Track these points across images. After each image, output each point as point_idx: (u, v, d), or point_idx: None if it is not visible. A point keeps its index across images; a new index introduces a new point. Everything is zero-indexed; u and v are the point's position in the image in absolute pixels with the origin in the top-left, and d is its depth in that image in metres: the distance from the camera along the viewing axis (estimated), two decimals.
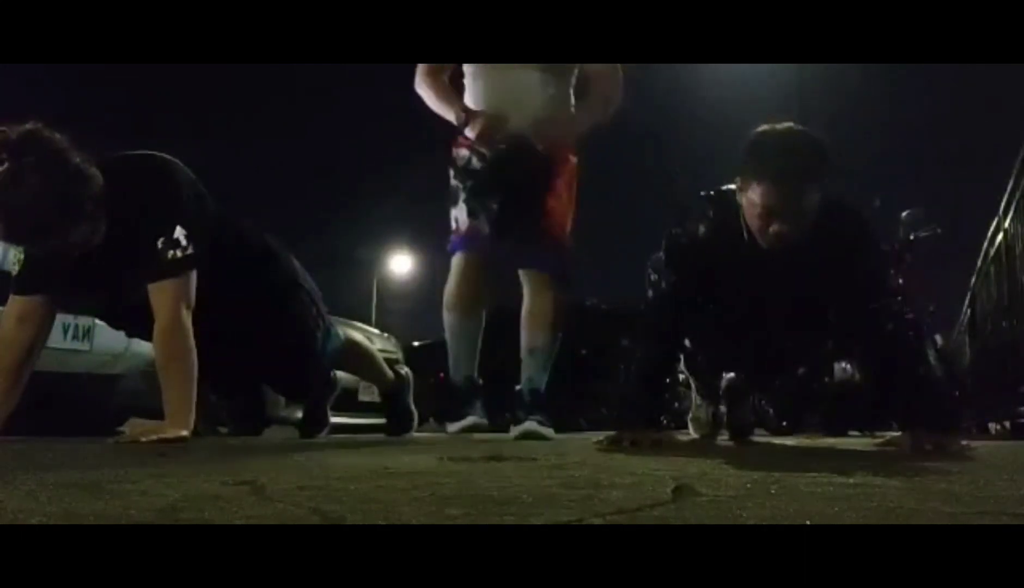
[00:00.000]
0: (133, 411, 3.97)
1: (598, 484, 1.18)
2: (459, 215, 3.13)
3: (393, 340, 6.17)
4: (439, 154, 3.25)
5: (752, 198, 2.13)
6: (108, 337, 3.69)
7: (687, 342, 2.82)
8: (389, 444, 2.69)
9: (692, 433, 3.29)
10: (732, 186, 2.24)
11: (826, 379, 5.97)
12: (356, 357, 3.28)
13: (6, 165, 2.08)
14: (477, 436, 3.03)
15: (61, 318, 3.12)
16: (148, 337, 2.46)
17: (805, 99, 11.05)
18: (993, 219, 5.82)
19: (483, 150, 3.09)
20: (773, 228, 2.13)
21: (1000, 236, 5.62)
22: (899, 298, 2.33)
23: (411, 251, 27.49)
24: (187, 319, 2.36)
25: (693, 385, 3.25)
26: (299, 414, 3.52)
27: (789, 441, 3.74)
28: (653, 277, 2.43)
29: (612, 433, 2.21)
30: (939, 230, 5.91)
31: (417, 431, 3.61)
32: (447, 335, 3.21)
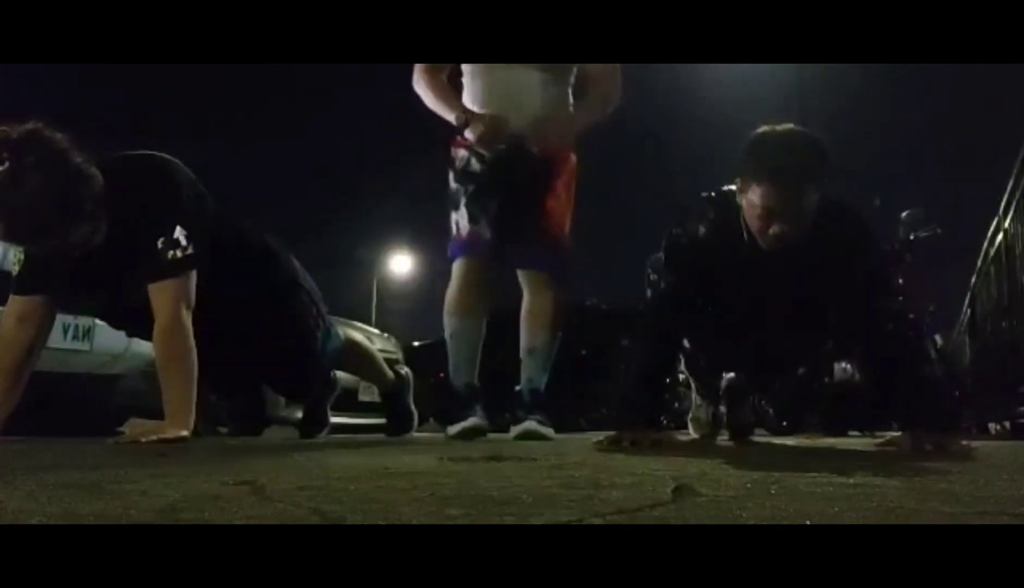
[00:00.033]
0: (133, 411, 3.98)
1: (598, 484, 1.18)
2: (460, 220, 3.13)
3: (393, 340, 6.17)
4: (439, 154, 3.25)
5: (752, 199, 2.13)
6: (108, 337, 3.69)
7: (687, 343, 2.82)
8: (389, 444, 2.69)
9: (692, 433, 3.29)
10: (732, 187, 2.24)
11: (826, 379, 5.97)
12: (356, 357, 3.28)
13: (7, 164, 2.08)
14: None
15: (61, 318, 3.12)
16: (148, 337, 2.46)
17: (805, 99, 11.05)
18: (993, 219, 5.82)
19: (482, 151, 3.09)
20: (773, 229, 2.13)
21: (1000, 236, 5.62)
22: (899, 298, 2.32)
23: (411, 251, 27.54)
24: (187, 319, 2.36)
25: (693, 385, 3.26)
26: (299, 414, 3.52)
27: (789, 441, 3.74)
28: (652, 277, 2.43)
29: (612, 433, 2.21)
30: (939, 230, 5.91)
31: (417, 431, 3.61)
32: (448, 340, 3.21)
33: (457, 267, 3.16)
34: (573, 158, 3.27)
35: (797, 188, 2.10)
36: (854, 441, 3.68)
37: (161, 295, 2.36)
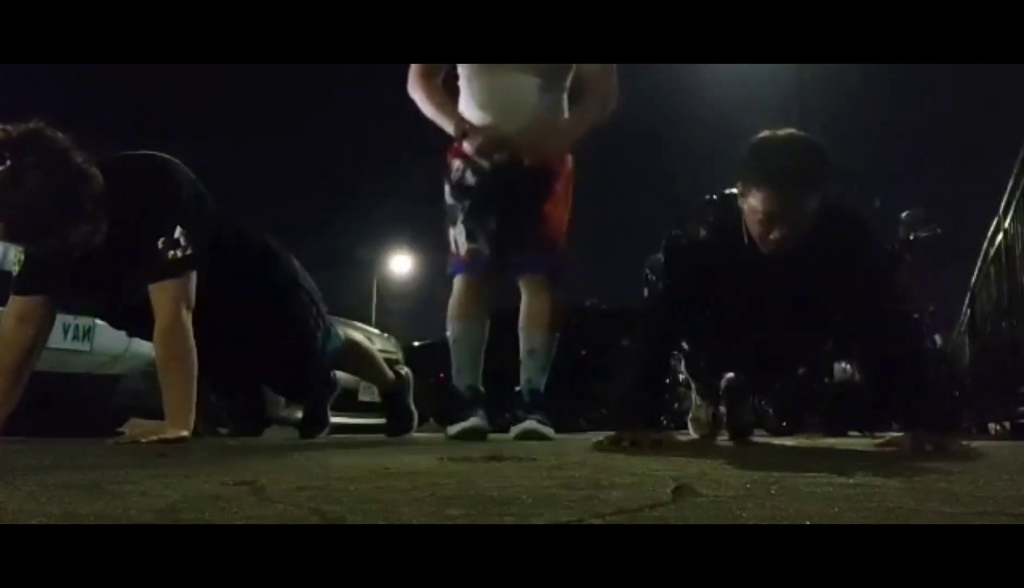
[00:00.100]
0: (133, 411, 3.99)
1: (598, 484, 1.18)
2: (458, 237, 3.14)
3: (393, 340, 6.17)
4: (439, 154, 3.25)
5: (753, 204, 2.13)
6: (108, 337, 3.70)
7: (687, 343, 2.82)
8: (389, 444, 2.69)
9: (692, 433, 3.30)
10: (734, 190, 2.24)
11: (826, 379, 5.98)
12: (356, 357, 3.28)
13: (7, 164, 2.08)
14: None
15: (61, 318, 3.12)
16: (148, 337, 2.46)
17: (805, 99, 11.04)
18: (993, 219, 5.82)
19: (479, 163, 3.09)
20: (774, 234, 2.13)
21: (1000, 236, 5.62)
22: (900, 298, 2.32)
23: (411, 251, 27.53)
24: (187, 319, 2.36)
25: (693, 386, 3.26)
26: (299, 414, 3.52)
27: (789, 441, 3.74)
28: (651, 278, 2.43)
29: (612, 433, 2.21)
30: (939, 230, 5.92)
31: (417, 431, 3.61)
32: (451, 344, 3.22)
33: (458, 282, 3.19)
34: (570, 160, 3.27)
35: (798, 193, 2.09)
36: (854, 441, 3.68)
37: (161, 295, 2.36)
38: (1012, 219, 5.17)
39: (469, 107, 3.16)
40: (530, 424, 3.01)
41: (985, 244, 6.35)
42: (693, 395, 3.31)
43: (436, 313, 3.30)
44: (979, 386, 6.45)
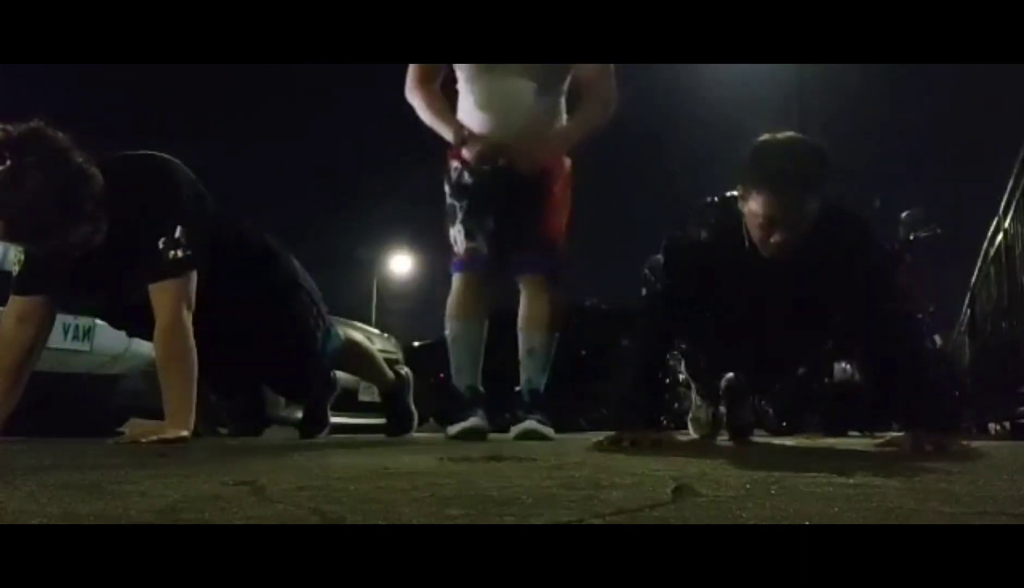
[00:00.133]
0: (133, 411, 3.99)
1: (598, 484, 1.18)
2: (457, 236, 3.15)
3: (393, 340, 6.18)
4: (439, 154, 3.25)
5: (753, 208, 2.13)
6: (108, 337, 3.70)
7: (687, 344, 2.82)
8: (389, 444, 2.69)
9: (692, 433, 3.30)
10: (735, 192, 2.24)
11: (826, 379, 5.98)
12: (356, 357, 3.28)
13: (8, 164, 2.08)
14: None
15: (61, 318, 3.12)
16: (149, 337, 2.46)
17: (805, 99, 11.04)
18: (993, 219, 5.82)
19: (478, 165, 3.09)
20: (774, 238, 2.13)
21: (1000, 236, 5.62)
22: (901, 298, 2.32)
23: (411, 251, 27.53)
24: (187, 319, 2.36)
25: (693, 386, 3.26)
26: (299, 414, 3.52)
27: (789, 441, 3.74)
28: (651, 278, 2.43)
29: (612, 433, 2.21)
30: (939, 230, 5.92)
31: (417, 431, 3.61)
32: (450, 344, 3.22)
33: (457, 280, 3.20)
34: (568, 162, 3.28)
35: (798, 197, 2.09)
36: (854, 441, 3.69)
37: (162, 295, 2.36)
38: (1012, 219, 5.17)
39: (468, 111, 3.16)
40: (530, 424, 3.02)
41: (985, 244, 6.35)
42: (693, 395, 3.31)
43: (436, 313, 3.30)
44: (979, 386, 6.45)
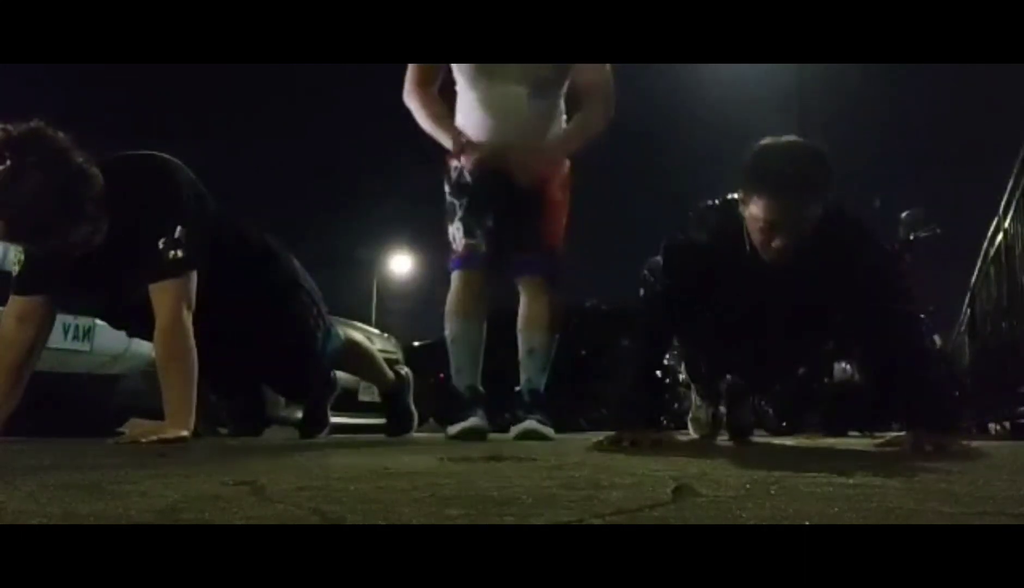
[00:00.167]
0: (133, 411, 3.98)
1: (598, 484, 1.18)
2: (456, 233, 3.15)
3: (393, 340, 6.18)
4: (439, 154, 3.25)
5: (754, 212, 2.12)
6: (108, 337, 3.70)
7: (687, 346, 2.81)
8: (389, 444, 2.69)
9: (692, 433, 3.30)
10: (736, 195, 2.23)
11: (826, 379, 5.98)
12: (356, 357, 3.28)
13: (8, 164, 2.08)
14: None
15: (61, 318, 3.12)
16: (149, 337, 2.46)
17: (805, 99, 11.04)
18: (993, 219, 5.82)
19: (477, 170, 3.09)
20: (775, 243, 2.12)
21: (1000, 236, 5.62)
22: (901, 299, 2.32)
23: (411, 251, 27.52)
24: (187, 319, 2.36)
25: (693, 386, 3.26)
26: (299, 414, 3.52)
27: (789, 441, 3.74)
28: (650, 279, 2.42)
29: (612, 433, 2.21)
30: (939, 230, 5.92)
31: (417, 431, 3.61)
32: (449, 344, 3.23)
33: (455, 278, 3.20)
34: (567, 164, 3.28)
35: (799, 202, 2.08)
36: (854, 441, 3.69)
37: (162, 295, 2.36)
38: (1012, 219, 5.17)
39: (466, 115, 3.16)
40: (530, 424, 3.02)
41: (985, 244, 6.36)
42: (693, 395, 3.31)
43: (436, 313, 3.31)
44: (979, 386, 6.46)
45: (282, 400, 3.91)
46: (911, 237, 5.85)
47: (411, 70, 3.21)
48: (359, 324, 5.70)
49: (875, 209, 5.79)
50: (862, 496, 1.05)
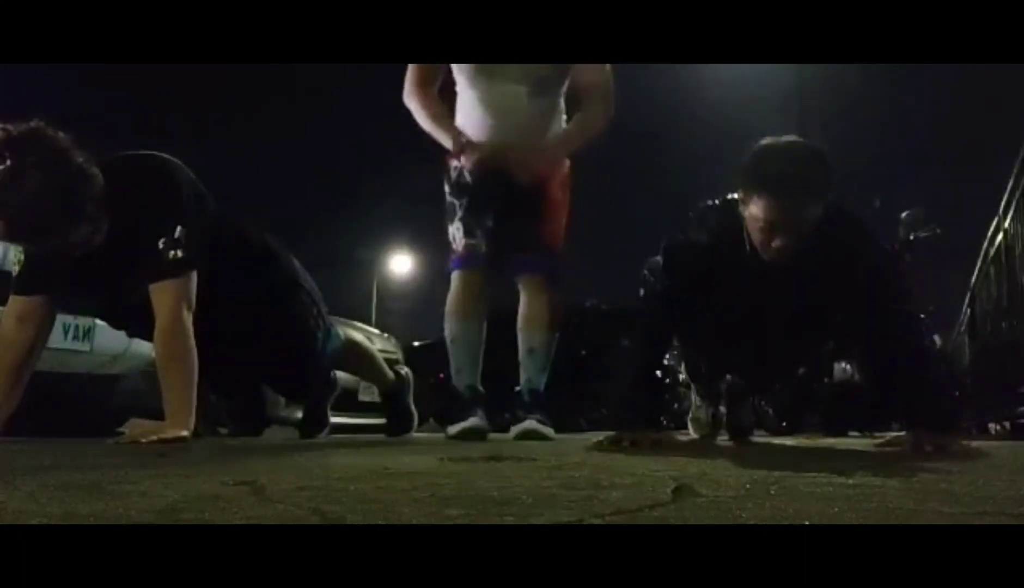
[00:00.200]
0: (133, 411, 3.98)
1: (598, 485, 1.18)
2: (456, 233, 3.15)
3: (393, 340, 6.18)
4: (439, 154, 3.24)
5: (754, 212, 2.12)
6: (108, 337, 3.70)
7: (687, 347, 2.81)
8: (389, 444, 2.69)
9: (692, 433, 3.30)
10: (736, 195, 2.23)
11: (826, 379, 5.98)
12: (356, 357, 3.28)
13: (8, 163, 2.08)
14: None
15: (61, 318, 3.12)
16: (149, 337, 2.46)
17: (805, 99, 11.03)
18: (993, 219, 5.82)
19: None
20: (775, 243, 2.12)
21: (1000, 236, 5.62)
22: (902, 299, 2.32)
23: (411, 251, 27.51)
24: (188, 319, 2.36)
25: (693, 386, 3.26)
26: (299, 414, 3.52)
27: (789, 441, 3.74)
28: (649, 278, 2.42)
29: (612, 433, 2.21)
30: (939, 230, 5.92)
31: (417, 431, 3.61)
32: (449, 345, 3.23)
33: (455, 278, 3.20)
34: (567, 163, 3.28)
35: (799, 202, 2.08)
36: (854, 441, 3.69)
37: (162, 295, 2.36)
38: (1012, 219, 5.17)
39: (465, 115, 3.16)
40: (530, 424, 3.02)
41: (985, 244, 6.36)
42: (693, 395, 3.31)
43: (436, 313, 3.31)
44: (979, 386, 6.46)
45: (282, 400, 3.91)
46: (911, 237, 5.86)
47: (411, 71, 3.21)
48: (359, 324, 5.70)
49: (875, 209, 5.80)
50: (862, 496, 1.05)
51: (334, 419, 3.49)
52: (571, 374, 6.62)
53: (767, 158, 2.13)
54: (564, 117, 3.25)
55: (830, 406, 6.00)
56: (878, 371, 2.48)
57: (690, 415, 3.34)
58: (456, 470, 1.45)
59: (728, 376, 3.05)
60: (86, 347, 3.84)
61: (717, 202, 2.36)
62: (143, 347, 3.41)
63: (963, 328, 8.09)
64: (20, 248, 2.44)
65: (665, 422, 2.73)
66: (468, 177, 3.11)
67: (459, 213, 3.14)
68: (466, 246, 3.13)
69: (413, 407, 3.50)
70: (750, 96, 13.64)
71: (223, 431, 3.35)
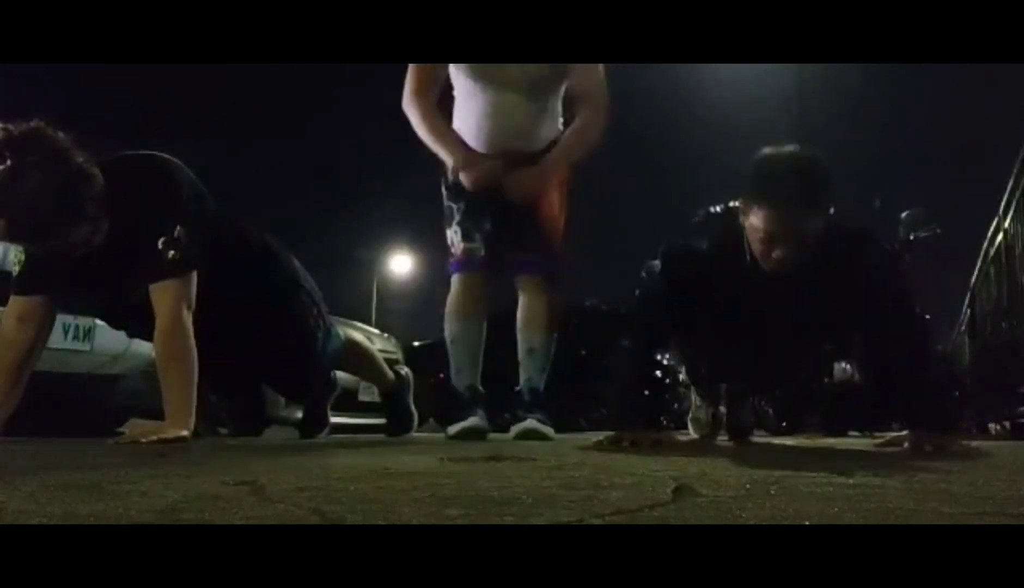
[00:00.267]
0: (133, 411, 3.99)
1: (598, 485, 1.18)
2: (454, 237, 3.16)
3: (393, 340, 6.18)
4: (437, 157, 3.23)
5: (755, 222, 2.11)
6: (108, 337, 3.70)
7: (688, 352, 2.81)
8: (389, 444, 2.69)
9: (692, 433, 3.29)
10: (738, 203, 2.22)
11: (826, 379, 5.98)
12: (356, 357, 3.28)
13: (8, 163, 2.08)
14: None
15: (61, 318, 3.12)
16: (149, 337, 2.46)
17: (805, 99, 11.04)
18: (993, 219, 5.82)
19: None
20: (776, 254, 2.11)
21: (1000, 236, 5.62)
22: (902, 299, 2.31)
23: (411, 251, 27.52)
24: (188, 319, 2.36)
25: (693, 386, 3.25)
26: (299, 414, 3.52)
27: (789, 441, 3.74)
28: (647, 280, 2.42)
29: (612, 433, 2.21)
30: (939, 230, 5.92)
31: (417, 431, 3.61)
32: (449, 345, 3.23)
33: (455, 281, 3.20)
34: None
35: (801, 214, 2.07)
36: (854, 441, 3.69)
37: (162, 295, 2.36)
38: (1012, 219, 5.17)
39: (463, 119, 3.16)
40: (530, 424, 3.02)
41: (985, 244, 6.36)
42: (693, 395, 3.31)
43: (436, 313, 3.31)
44: (979, 386, 6.46)
45: (282, 400, 3.91)
46: (911, 237, 5.86)
47: (410, 78, 3.15)
48: (359, 324, 5.70)
49: (875, 209, 5.80)
50: (862, 496, 1.05)
51: (334, 419, 3.49)
52: (571, 374, 6.61)
53: (768, 169, 2.11)
54: (561, 120, 3.25)
55: (830, 406, 6.00)
56: (878, 371, 2.48)
57: (690, 415, 3.34)
58: (456, 470, 1.45)
59: (728, 378, 3.05)
60: (86, 347, 3.84)
61: (718, 209, 2.35)
62: (143, 347, 3.41)
63: (963, 328, 8.10)
64: (20, 248, 2.44)
65: (665, 422, 2.73)
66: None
67: (457, 217, 3.14)
68: (464, 250, 3.13)
69: (413, 407, 3.50)
70: (750, 96, 13.67)
71: (223, 431, 3.35)
